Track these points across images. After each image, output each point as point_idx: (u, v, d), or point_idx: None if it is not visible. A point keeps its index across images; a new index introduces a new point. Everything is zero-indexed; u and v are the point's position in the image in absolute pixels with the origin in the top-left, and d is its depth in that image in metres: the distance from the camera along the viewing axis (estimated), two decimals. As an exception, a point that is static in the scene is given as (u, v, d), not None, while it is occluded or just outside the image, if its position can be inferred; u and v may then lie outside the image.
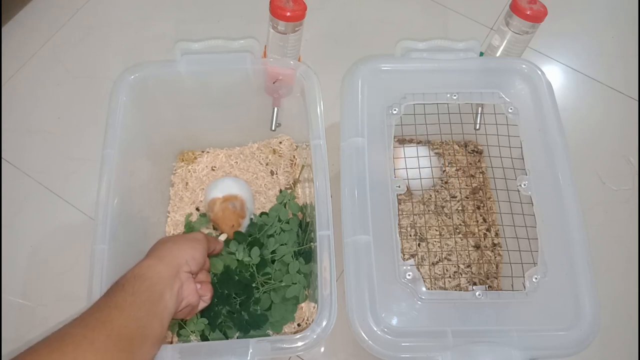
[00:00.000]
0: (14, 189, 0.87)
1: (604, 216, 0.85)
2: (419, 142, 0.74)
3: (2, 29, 1.02)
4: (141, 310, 0.47)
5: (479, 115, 0.74)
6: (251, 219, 0.75)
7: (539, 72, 0.67)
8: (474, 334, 0.53)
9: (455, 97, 0.66)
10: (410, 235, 0.78)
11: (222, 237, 0.70)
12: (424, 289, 0.56)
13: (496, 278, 0.76)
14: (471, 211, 0.81)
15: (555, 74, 0.99)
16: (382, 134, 0.63)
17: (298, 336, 0.52)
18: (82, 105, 0.95)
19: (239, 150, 0.88)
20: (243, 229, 0.73)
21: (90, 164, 0.89)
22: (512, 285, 0.62)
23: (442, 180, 0.83)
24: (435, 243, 0.77)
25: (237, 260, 0.70)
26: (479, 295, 0.56)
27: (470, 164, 0.84)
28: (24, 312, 0.78)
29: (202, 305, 0.59)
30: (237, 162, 0.86)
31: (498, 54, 0.70)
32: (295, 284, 0.68)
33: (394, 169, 0.60)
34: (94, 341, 0.42)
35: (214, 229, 0.78)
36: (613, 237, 0.83)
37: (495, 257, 0.77)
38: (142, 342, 0.46)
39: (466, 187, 0.83)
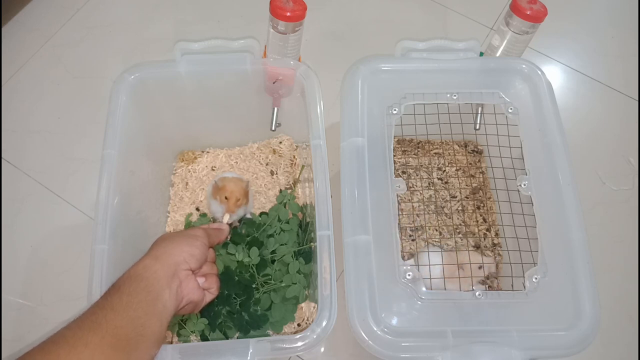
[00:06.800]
0: (14, 189, 0.87)
1: (604, 216, 0.85)
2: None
3: (2, 29, 1.02)
4: (138, 310, 0.46)
5: (479, 115, 0.74)
6: (250, 218, 0.75)
7: (539, 72, 0.67)
8: (474, 334, 0.53)
9: (455, 97, 0.66)
10: (411, 235, 0.78)
11: (225, 219, 0.70)
12: (424, 289, 0.56)
13: (496, 278, 0.76)
14: (471, 211, 0.81)
15: (555, 74, 0.99)
16: (382, 134, 0.63)
17: (298, 336, 0.52)
18: (82, 105, 0.95)
19: (239, 150, 0.88)
20: (238, 215, 0.73)
21: (90, 164, 0.89)
22: (512, 285, 0.61)
23: (442, 181, 0.83)
24: (435, 243, 0.77)
25: (237, 261, 0.70)
26: (479, 295, 0.56)
27: (470, 164, 0.84)
28: (24, 312, 0.78)
29: (210, 297, 0.59)
30: (237, 162, 0.86)
31: (498, 54, 0.70)
32: (295, 284, 0.68)
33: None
34: (89, 343, 0.42)
35: (213, 221, 0.78)
36: (613, 237, 0.83)
37: (495, 257, 0.77)
38: (140, 342, 0.46)
39: (466, 187, 0.83)
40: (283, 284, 0.69)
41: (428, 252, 0.64)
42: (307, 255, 0.71)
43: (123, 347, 0.44)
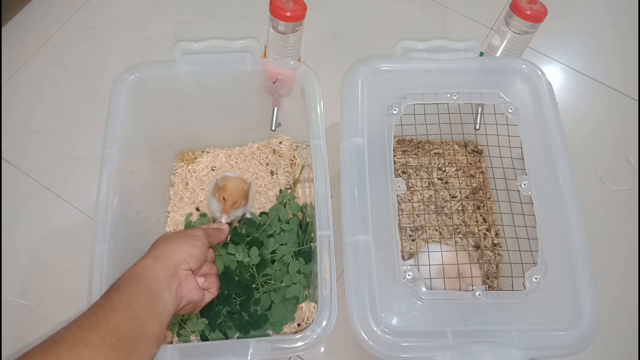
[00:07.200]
0: (14, 189, 0.87)
1: (604, 216, 0.85)
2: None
3: (2, 29, 1.02)
4: (138, 310, 0.47)
5: (479, 115, 0.74)
6: (250, 218, 0.75)
7: (539, 72, 0.67)
8: (474, 334, 0.53)
9: (455, 97, 0.66)
10: (411, 235, 0.78)
11: (223, 219, 0.70)
12: (424, 289, 0.56)
13: (496, 278, 0.76)
14: (471, 211, 0.81)
15: (555, 74, 0.99)
16: (382, 134, 0.63)
17: (298, 336, 0.52)
18: (82, 105, 0.95)
19: (239, 150, 0.88)
20: (236, 215, 0.73)
21: (90, 164, 0.89)
22: (512, 285, 0.62)
23: (442, 181, 0.83)
24: (435, 243, 0.77)
25: (237, 261, 0.70)
26: (479, 295, 0.56)
27: (470, 164, 0.84)
28: (24, 312, 0.78)
29: (209, 297, 0.59)
30: (237, 162, 0.86)
31: (498, 54, 0.70)
32: (295, 284, 0.68)
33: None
34: (89, 342, 0.42)
35: (213, 220, 0.78)
36: (613, 237, 0.83)
37: (495, 257, 0.77)
38: (140, 342, 0.46)
39: (466, 187, 0.83)
40: (283, 284, 0.69)
41: (428, 252, 0.64)
42: (307, 255, 0.71)
43: (123, 346, 0.44)
